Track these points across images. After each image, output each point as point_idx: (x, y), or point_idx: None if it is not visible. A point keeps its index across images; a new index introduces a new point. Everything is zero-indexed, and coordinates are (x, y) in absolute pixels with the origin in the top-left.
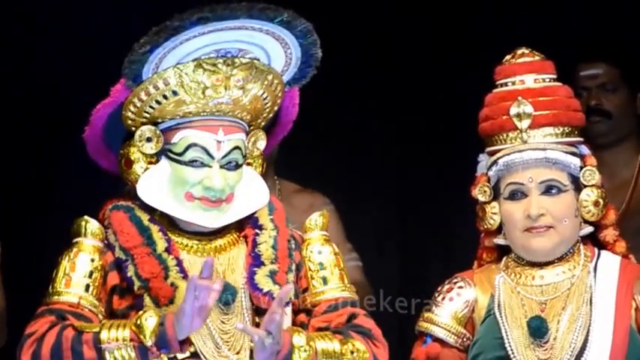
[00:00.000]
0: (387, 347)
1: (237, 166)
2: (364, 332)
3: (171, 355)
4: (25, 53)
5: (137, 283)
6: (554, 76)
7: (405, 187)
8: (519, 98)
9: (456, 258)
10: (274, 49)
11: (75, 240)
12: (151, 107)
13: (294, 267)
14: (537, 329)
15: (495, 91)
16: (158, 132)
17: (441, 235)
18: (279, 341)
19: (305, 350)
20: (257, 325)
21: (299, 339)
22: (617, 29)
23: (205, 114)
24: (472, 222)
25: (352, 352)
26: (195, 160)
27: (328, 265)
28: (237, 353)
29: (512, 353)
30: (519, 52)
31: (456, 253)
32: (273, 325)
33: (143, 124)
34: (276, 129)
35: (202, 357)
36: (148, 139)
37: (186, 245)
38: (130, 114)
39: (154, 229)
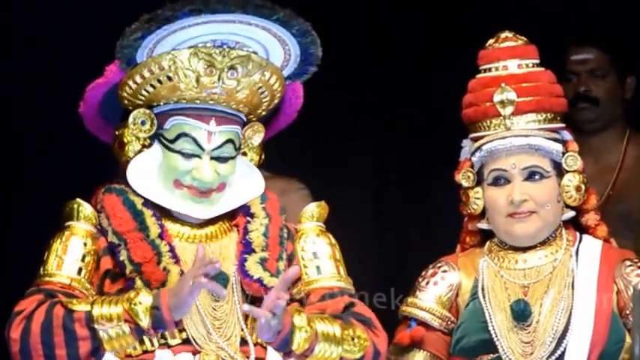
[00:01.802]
0: (386, 337)
1: (229, 158)
2: (364, 320)
3: (163, 342)
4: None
5: (129, 267)
6: (538, 61)
7: (401, 182)
8: (503, 85)
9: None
10: (272, 45)
11: (67, 223)
12: (146, 91)
13: (285, 255)
14: (520, 313)
15: (479, 76)
16: (152, 115)
17: (432, 226)
18: (281, 322)
19: (306, 331)
20: (245, 315)
21: (299, 319)
22: (613, 24)
23: (199, 102)
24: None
25: (353, 339)
26: (185, 150)
27: (323, 255)
28: (228, 340)
29: (496, 336)
30: (502, 35)
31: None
32: (279, 308)
33: (139, 105)
34: (279, 118)
35: (194, 343)
36: (142, 123)
37: (178, 232)
38: (125, 94)
39: (148, 214)
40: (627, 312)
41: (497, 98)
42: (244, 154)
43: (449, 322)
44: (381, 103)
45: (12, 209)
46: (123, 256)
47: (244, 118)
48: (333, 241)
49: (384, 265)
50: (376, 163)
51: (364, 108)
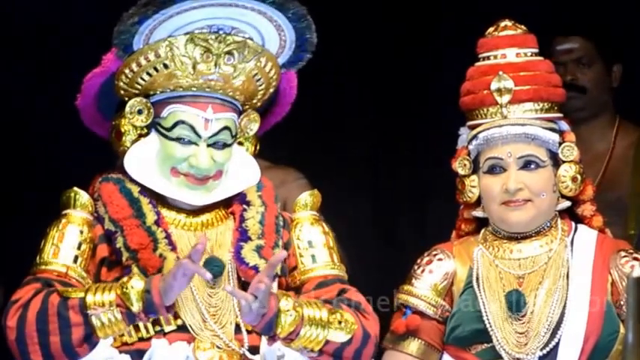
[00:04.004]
0: (377, 320)
1: (226, 146)
2: (354, 305)
3: (159, 329)
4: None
5: (125, 254)
6: (536, 50)
7: (399, 180)
8: (500, 73)
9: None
10: (268, 30)
11: (64, 212)
12: (142, 79)
13: (281, 243)
14: (515, 303)
15: (477, 64)
16: (149, 104)
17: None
18: (265, 305)
19: (291, 314)
20: None
21: (285, 303)
22: (605, 14)
23: (195, 89)
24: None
25: (340, 322)
26: (183, 138)
27: (317, 243)
28: (223, 327)
29: (490, 326)
30: (502, 24)
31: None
32: (260, 291)
33: (135, 95)
34: (275, 110)
35: (190, 330)
36: (139, 112)
37: (174, 219)
38: (122, 84)
39: (144, 201)
40: (621, 302)
41: (494, 86)
42: (240, 143)
43: (443, 311)
44: (364, 86)
45: (14, 202)
46: (119, 243)
47: (240, 107)
48: (327, 229)
49: (382, 262)
50: (373, 161)
51: (348, 90)
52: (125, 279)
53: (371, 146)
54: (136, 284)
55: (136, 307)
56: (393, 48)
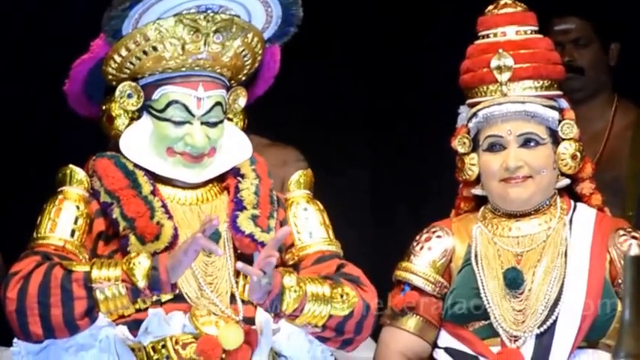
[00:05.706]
0: (375, 292)
1: (218, 122)
2: (353, 279)
3: (155, 299)
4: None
5: (122, 224)
6: (536, 28)
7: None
8: (500, 51)
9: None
10: (255, 6)
11: (60, 188)
12: (131, 63)
13: (276, 215)
14: (513, 281)
15: (477, 42)
16: (139, 88)
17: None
18: (271, 282)
19: (295, 291)
20: (236, 273)
21: (289, 280)
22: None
23: (185, 69)
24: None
25: (342, 296)
26: (176, 118)
27: (313, 221)
28: (219, 296)
29: (488, 304)
30: (502, 2)
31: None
32: (269, 266)
33: (124, 79)
34: (258, 83)
35: (187, 298)
36: (129, 95)
37: (169, 195)
38: (110, 69)
39: (139, 173)
40: (619, 281)
41: (494, 64)
42: (229, 119)
43: (442, 288)
44: (363, 69)
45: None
46: (116, 213)
47: (227, 82)
48: (322, 207)
49: (380, 253)
50: (369, 155)
51: (346, 74)
52: (132, 255)
53: (366, 140)
54: (143, 261)
55: (142, 283)
56: (388, 42)
